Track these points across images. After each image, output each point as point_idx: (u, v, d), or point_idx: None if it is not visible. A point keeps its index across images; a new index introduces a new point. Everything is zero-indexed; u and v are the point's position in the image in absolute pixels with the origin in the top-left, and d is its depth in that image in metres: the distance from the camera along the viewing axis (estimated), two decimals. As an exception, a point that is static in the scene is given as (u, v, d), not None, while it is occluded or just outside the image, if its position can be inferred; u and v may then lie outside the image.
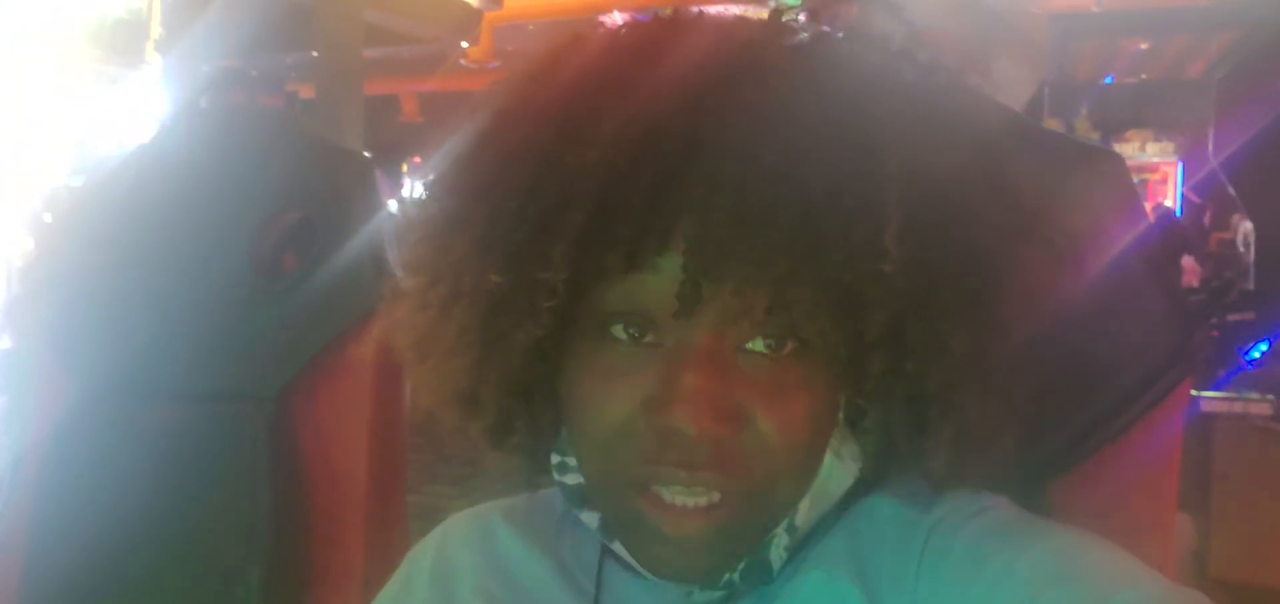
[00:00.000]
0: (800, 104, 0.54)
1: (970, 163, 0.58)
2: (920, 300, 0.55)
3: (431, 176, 0.64)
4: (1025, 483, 0.71)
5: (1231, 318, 3.61)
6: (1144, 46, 8.01)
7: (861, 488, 0.63)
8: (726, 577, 0.60)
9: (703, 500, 0.56)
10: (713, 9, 0.64)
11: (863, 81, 0.57)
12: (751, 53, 0.57)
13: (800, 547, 0.63)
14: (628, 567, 0.64)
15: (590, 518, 0.64)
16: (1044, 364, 0.64)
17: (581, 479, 0.63)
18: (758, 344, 0.57)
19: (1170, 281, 0.81)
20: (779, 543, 0.60)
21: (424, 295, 0.62)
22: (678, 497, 0.57)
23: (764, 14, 0.62)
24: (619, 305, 0.57)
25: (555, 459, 0.65)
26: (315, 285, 1.06)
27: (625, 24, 0.63)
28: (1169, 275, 0.81)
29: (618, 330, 0.57)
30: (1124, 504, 0.82)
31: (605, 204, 0.53)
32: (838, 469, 0.61)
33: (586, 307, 0.57)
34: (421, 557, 0.74)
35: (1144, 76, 8.12)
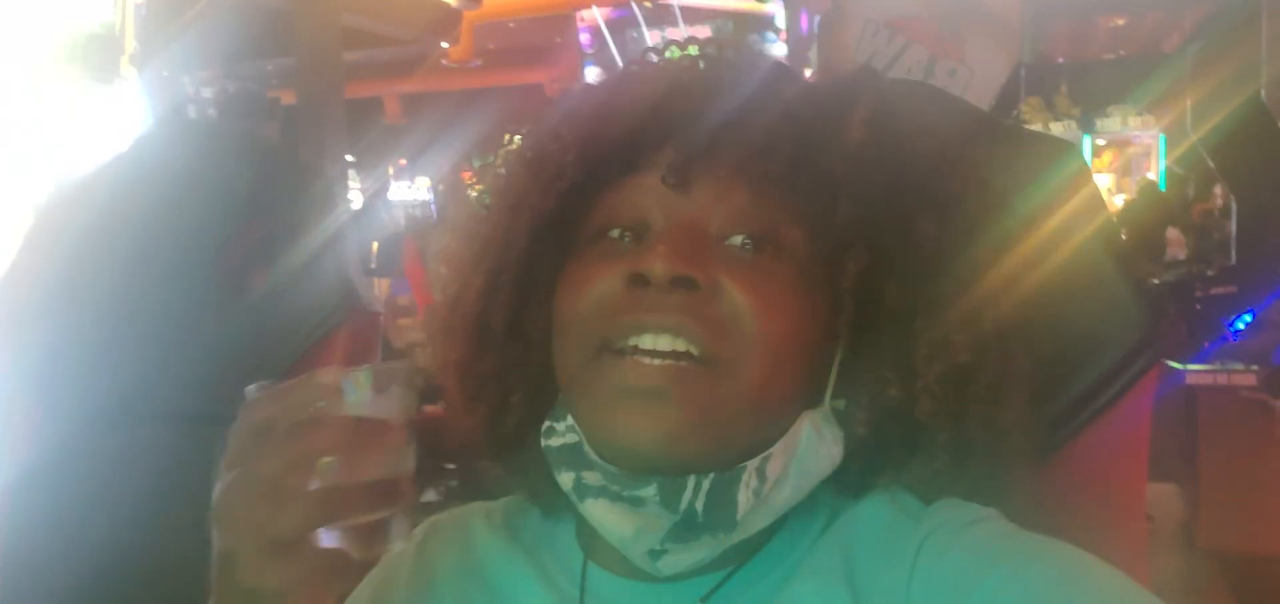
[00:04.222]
0: (786, 68, 0.68)
1: (936, 103, 0.69)
2: (889, 191, 0.61)
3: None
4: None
5: (1213, 291, 3.63)
6: (1120, 22, 8.05)
7: (851, 491, 0.64)
8: (688, 500, 0.59)
9: (667, 346, 0.59)
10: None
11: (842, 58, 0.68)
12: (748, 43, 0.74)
13: (778, 527, 0.63)
14: (609, 568, 0.64)
15: (566, 479, 0.63)
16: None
17: (567, 440, 0.64)
18: (739, 240, 0.62)
19: (1134, 268, 0.81)
20: (748, 484, 0.60)
21: (458, 238, 0.72)
22: (646, 342, 0.59)
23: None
24: (618, 209, 0.63)
25: (546, 425, 0.66)
26: (283, 301, 1.06)
27: None
28: (1132, 263, 0.81)
29: (614, 233, 0.64)
30: (1097, 484, 0.82)
31: (612, 108, 0.65)
32: (819, 447, 0.61)
33: (590, 218, 0.64)
34: (400, 558, 0.74)
35: (1121, 53, 8.16)
